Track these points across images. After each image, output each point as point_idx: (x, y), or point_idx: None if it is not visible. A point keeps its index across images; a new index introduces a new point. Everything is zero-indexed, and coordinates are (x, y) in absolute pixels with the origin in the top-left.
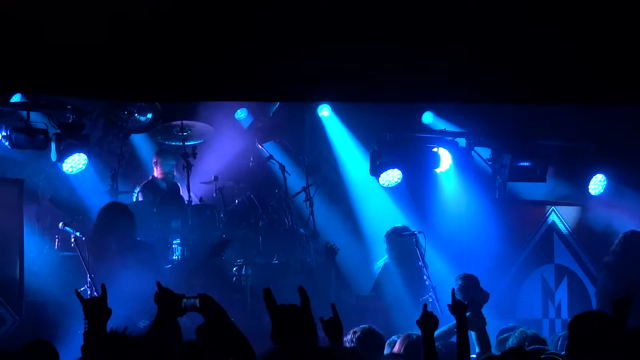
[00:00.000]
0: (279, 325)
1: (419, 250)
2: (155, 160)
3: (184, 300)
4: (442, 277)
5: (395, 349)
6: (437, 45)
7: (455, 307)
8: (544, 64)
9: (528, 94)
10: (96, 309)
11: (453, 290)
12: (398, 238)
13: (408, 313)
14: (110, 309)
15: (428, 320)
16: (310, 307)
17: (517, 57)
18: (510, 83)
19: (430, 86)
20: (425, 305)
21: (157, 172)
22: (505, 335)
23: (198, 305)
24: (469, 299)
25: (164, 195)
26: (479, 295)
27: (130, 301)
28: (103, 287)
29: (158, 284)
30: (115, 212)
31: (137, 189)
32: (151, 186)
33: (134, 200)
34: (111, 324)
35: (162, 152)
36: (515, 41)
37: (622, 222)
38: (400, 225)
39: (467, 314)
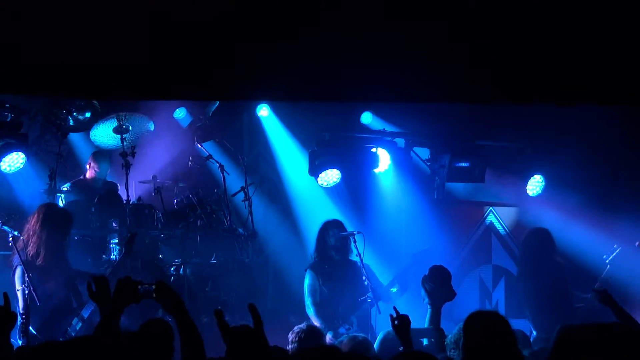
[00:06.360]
0: (234, 347)
1: (357, 250)
2: (90, 162)
3: (140, 286)
4: (380, 277)
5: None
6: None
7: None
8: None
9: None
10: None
11: (394, 308)
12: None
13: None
14: (14, 314)
15: (401, 321)
16: (262, 327)
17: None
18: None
19: (368, 85)
20: (395, 308)
21: (89, 174)
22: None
23: (154, 292)
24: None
25: (103, 194)
26: (444, 291)
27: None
28: (5, 295)
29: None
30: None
31: (67, 185)
32: (81, 185)
33: (62, 194)
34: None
35: (98, 155)
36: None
37: (559, 222)
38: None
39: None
